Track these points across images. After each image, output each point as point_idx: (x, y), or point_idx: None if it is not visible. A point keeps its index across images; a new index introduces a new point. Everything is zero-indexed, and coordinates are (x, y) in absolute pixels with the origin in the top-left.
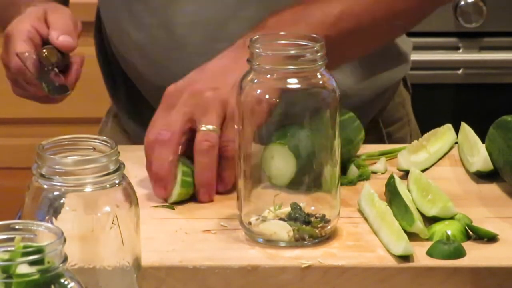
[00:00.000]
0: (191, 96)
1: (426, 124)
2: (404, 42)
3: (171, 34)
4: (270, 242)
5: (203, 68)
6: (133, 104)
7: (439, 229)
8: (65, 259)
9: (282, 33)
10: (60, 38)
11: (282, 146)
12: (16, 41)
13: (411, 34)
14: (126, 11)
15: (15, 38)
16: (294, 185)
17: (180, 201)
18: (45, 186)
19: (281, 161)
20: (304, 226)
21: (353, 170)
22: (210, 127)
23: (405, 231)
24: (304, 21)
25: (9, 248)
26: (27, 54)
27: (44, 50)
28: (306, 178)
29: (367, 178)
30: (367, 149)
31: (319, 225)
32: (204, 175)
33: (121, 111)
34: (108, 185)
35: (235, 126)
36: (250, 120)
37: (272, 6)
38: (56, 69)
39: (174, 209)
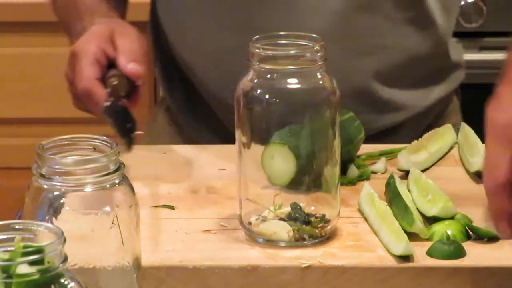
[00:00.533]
0: None
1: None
2: (456, 50)
3: (240, 40)
4: (270, 242)
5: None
6: (188, 100)
7: (439, 229)
8: (65, 259)
9: (282, 33)
10: (129, 66)
11: (282, 146)
12: (83, 64)
13: None
14: (192, 13)
15: (82, 59)
16: (294, 185)
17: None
18: (45, 186)
19: (281, 161)
20: (304, 226)
21: (353, 170)
22: None
23: (405, 231)
24: None
25: (9, 248)
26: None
27: (113, 79)
28: (306, 178)
29: (367, 178)
30: (367, 149)
31: (319, 225)
32: None
33: (175, 105)
34: (108, 185)
35: (235, 127)
36: (250, 120)
37: (340, 19)
38: (122, 99)
39: (174, 209)
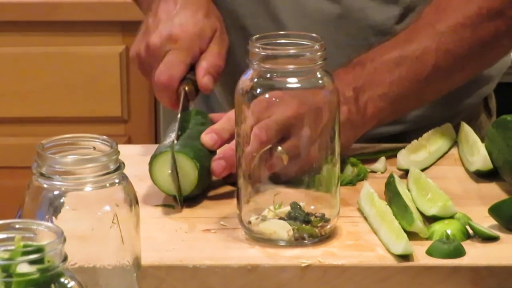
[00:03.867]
0: None
1: (425, 123)
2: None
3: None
4: (270, 241)
5: None
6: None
7: (439, 228)
8: (65, 258)
9: (282, 32)
10: (204, 79)
11: (184, 156)
12: (177, 58)
13: None
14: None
15: (180, 53)
16: (294, 184)
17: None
18: (45, 185)
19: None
20: (303, 225)
21: (349, 169)
22: None
23: (405, 231)
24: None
25: (9, 247)
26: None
27: (185, 85)
28: (306, 177)
29: (365, 176)
30: (366, 148)
31: (318, 224)
32: None
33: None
34: (108, 184)
35: (235, 126)
36: (250, 119)
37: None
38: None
39: (174, 208)
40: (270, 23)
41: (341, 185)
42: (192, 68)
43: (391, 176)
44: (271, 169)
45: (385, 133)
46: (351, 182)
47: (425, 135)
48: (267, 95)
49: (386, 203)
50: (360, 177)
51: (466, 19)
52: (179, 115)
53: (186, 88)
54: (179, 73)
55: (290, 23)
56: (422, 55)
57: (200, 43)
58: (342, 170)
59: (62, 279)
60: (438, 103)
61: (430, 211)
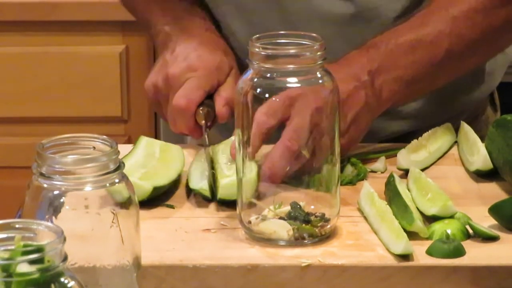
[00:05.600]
0: None
1: (425, 123)
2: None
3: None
4: (270, 241)
5: None
6: None
7: (439, 228)
8: (65, 258)
9: (281, 32)
10: (223, 108)
11: None
12: (195, 84)
13: None
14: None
15: (199, 80)
16: (294, 184)
17: (182, 200)
18: (45, 185)
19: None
20: (304, 225)
21: (349, 169)
22: None
23: (405, 230)
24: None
25: (9, 247)
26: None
27: (201, 110)
28: (306, 176)
29: (364, 176)
30: (366, 148)
31: (318, 224)
32: None
33: None
34: (108, 184)
35: (235, 126)
36: (250, 119)
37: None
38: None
39: (174, 208)
40: (282, 25)
41: (341, 185)
42: (209, 97)
43: (391, 176)
44: (294, 168)
45: (385, 133)
46: (351, 182)
47: (425, 135)
48: (269, 95)
49: (386, 203)
50: (360, 177)
51: (478, 4)
52: (205, 134)
53: (206, 111)
54: (197, 98)
55: (302, 24)
56: (436, 39)
57: (218, 75)
58: (342, 170)
59: (62, 279)
60: (443, 99)
61: (430, 211)
